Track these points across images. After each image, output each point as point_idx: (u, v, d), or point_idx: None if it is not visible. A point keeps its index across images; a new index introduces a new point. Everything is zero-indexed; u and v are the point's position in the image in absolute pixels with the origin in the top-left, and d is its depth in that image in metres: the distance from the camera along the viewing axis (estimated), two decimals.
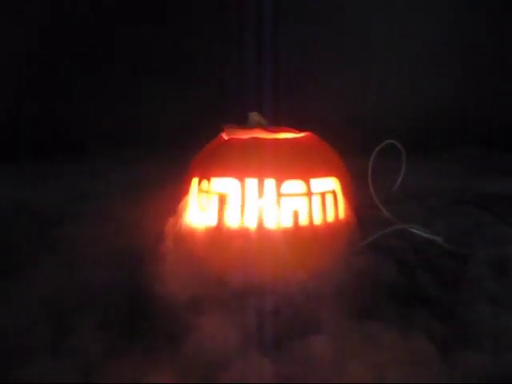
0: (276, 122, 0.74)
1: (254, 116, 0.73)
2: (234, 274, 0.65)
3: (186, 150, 0.75)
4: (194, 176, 0.69)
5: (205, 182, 0.68)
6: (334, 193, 0.67)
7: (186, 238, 0.69)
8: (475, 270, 0.73)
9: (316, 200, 0.66)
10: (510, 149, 1.21)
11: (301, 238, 0.65)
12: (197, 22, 1.34)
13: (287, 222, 0.65)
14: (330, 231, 0.66)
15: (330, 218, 0.67)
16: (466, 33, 1.45)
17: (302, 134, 0.72)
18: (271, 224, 0.65)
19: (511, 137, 1.27)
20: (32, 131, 1.48)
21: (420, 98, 1.32)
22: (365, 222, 0.79)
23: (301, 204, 0.65)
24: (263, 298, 0.62)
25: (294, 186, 0.65)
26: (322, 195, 0.66)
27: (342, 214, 0.68)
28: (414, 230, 0.78)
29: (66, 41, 1.51)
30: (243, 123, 0.73)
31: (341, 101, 1.23)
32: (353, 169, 0.86)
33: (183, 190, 0.70)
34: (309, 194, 0.65)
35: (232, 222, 0.65)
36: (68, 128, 1.47)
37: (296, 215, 0.65)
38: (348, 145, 0.94)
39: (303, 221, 0.65)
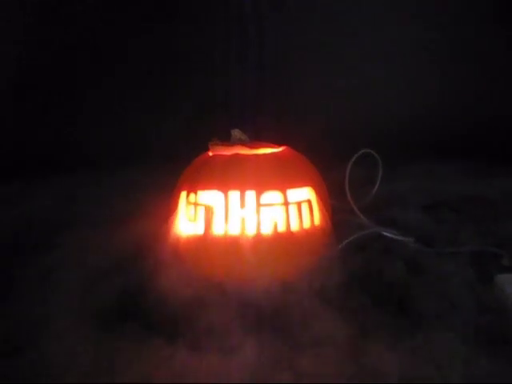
0: (256, 137, 0.81)
1: (236, 133, 0.80)
2: (220, 276, 0.72)
3: (174, 164, 0.82)
4: (183, 190, 0.76)
5: (192, 195, 0.75)
6: (309, 201, 0.74)
7: (176, 246, 0.76)
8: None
9: (292, 209, 0.73)
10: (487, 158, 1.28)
11: (279, 243, 0.72)
12: (183, 35, 1.39)
13: (267, 230, 0.72)
14: (306, 237, 0.73)
15: (306, 224, 0.74)
16: (444, 43, 1.51)
17: (279, 149, 0.79)
18: (252, 231, 0.72)
19: (489, 147, 1.34)
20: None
21: (397, 108, 1.39)
22: (341, 227, 0.86)
23: (279, 213, 0.72)
24: (247, 298, 0.70)
25: (272, 196, 0.73)
26: (298, 204, 0.73)
27: (317, 220, 0.75)
28: (386, 233, 0.85)
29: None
30: (227, 139, 0.80)
31: (318, 114, 1.30)
32: (334, 178, 0.94)
33: (173, 203, 0.78)
34: (286, 203, 0.73)
35: (217, 230, 0.73)
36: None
37: (274, 223, 0.72)
38: (327, 156, 1.02)
39: (281, 228, 0.72)
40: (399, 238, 0.84)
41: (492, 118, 1.43)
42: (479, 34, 1.52)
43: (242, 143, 0.78)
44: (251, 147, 0.78)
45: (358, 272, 0.75)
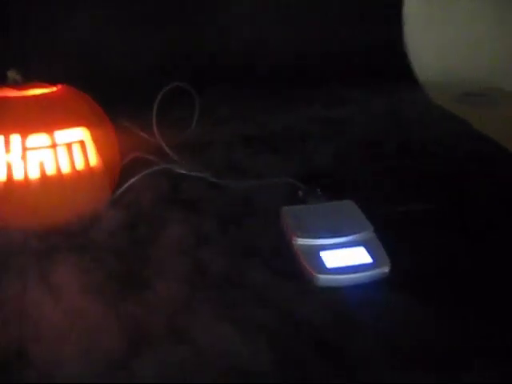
0: (34, 78, 0.78)
1: (11, 73, 0.77)
2: None
3: None
4: None
5: None
6: (81, 142, 0.73)
7: None
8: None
9: (62, 150, 0.72)
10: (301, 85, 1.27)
11: (49, 186, 0.71)
12: None
13: (35, 174, 0.70)
14: (79, 178, 0.72)
15: (80, 166, 0.73)
16: None
17: (52, 89, 0.76)
18: (20, 176, 0.70)
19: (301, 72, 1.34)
20: None
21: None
22: (135, 167, 0.85)
23: (46, 155, 0.71)
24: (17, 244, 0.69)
25: (39, 139, 0.71)
26: (68, 145, 0.72)
27: (93, 161, 0.74)
28: (179, 170, 0.85)
29: None
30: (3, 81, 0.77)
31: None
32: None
33: None
34: (54, 145, 0.71)
35: None
36: None
37: (42, 166, 0.71)
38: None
39: (50, 171, 0.71)
40: (194, 173, 0.85)
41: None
42: None
43: (12, 85, 0.75)
44: (21, 89, 0.75)
45: (134, 213, 0.76)
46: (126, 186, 0.78)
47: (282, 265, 0.67)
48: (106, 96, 0.79)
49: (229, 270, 0.66)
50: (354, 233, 0.70)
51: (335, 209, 0.76)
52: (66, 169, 0.72)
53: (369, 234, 0.70)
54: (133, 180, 0.79)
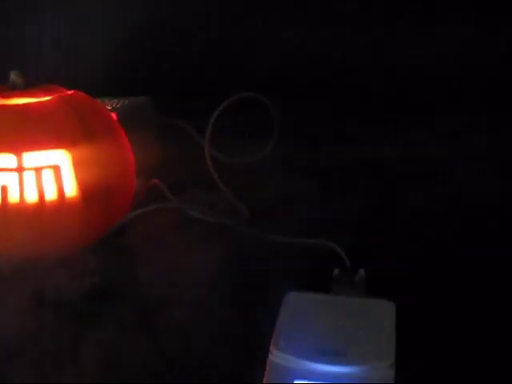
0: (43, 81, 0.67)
1: (13, 76, 0.66)
2: None
3: None
4: None
5: None
6: (55, 168, 0.60)
7: None
8: None
9: (29, 175, 0.59)
10: None
11: (9, 215, 0.59)
12: None
13: None
14: (47, 210, 0.60)
15: (51, 195, 0.60)
16: None
17: (43, 98, 0.64)
18: None
19: None
20: None
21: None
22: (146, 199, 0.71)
23: (10, 179, 0.59)
24: None
25: (4, 159, 0.60)
26: (38, 170, 0.60)
27: (70, 192, 0.61)
28: (192, 212, 0.67)
29: None
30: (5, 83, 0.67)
31: None
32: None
33: None
34: (20, 168, 0.59)
35: None
36: None
37: (4, 191, 0.59)
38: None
39: (14, 198, 0.59)
40: (207, 218, 0.67)
41: None
42: None
43: (5, 90, 0.65)
44: (9, 96, 0.64)
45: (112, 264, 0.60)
46: (114, 227, 0.64)
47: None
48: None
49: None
50: (359, 361, 0.46)
51: (360, 311, 0.52)
52: (31, 198, 0.60)
53: (380, 368, 0.46)
54: (121, 221, 0.63)
